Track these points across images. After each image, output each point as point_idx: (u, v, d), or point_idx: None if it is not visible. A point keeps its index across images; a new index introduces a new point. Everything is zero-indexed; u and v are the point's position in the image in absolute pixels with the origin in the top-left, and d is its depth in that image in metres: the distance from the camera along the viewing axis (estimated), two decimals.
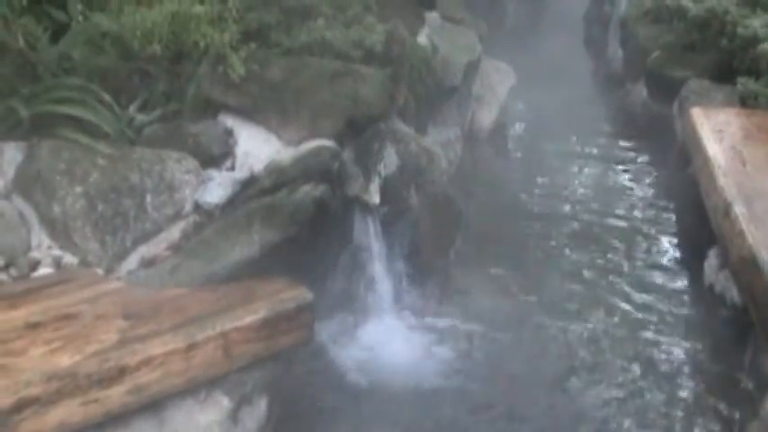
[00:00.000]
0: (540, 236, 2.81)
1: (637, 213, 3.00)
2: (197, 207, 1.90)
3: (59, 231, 1.76)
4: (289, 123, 2.03)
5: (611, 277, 2.52)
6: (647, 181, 3.30)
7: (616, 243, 2.75)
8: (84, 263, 1.75)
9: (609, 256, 2.66)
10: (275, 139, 2.04)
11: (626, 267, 2.58)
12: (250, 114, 2.06)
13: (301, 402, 1.84)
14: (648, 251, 2.70)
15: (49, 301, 1.59)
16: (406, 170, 2.21)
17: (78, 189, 1.78)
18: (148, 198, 1.83)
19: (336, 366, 1.98)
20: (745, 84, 2.91)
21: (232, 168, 2.00)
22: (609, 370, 2.05)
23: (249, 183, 1.94)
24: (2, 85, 1.87)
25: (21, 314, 1.54)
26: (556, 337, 2.18)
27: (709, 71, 3.23)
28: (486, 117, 3.58)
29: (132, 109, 2.02)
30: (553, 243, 2.75)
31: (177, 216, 1.87)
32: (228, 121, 2.07)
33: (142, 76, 2.07)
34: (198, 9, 2.04)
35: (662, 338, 2.20)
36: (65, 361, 1.39)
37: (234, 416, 1.61)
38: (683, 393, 1.96)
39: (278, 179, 1.90)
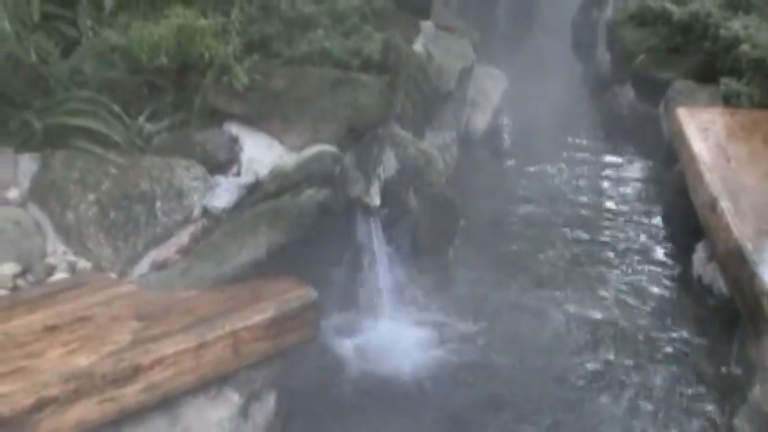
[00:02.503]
0: (535, 232, 2.85)
1: (626, 209, 3.06)
2: (205, 212, 1.94)
3: (74, 238, 1.81)
4: (291, 130, 2.07)
5: (604, 271, 2.58)
6: (636, 178, 3.36)
7: (607, 238, 2.81)
8: (98, 267, 1.79)
9: (601, 250, 2.71)
10: (279, 146, 2.07)
11: (618, 262, 2.64)
12: (254, 122, 2.10)
13: (308, 398, 1.87)
14: (638, 245, 2.75)
15: (65, 304, 1.63)
16: (404, 173, 2.25)
17: (91, 197, 1.83)
18: (158, 204, 1.88)
19: (341, 363, 2.02)
20: (727, 84, 2.98)
21: (238, 174, 2.04)
22: (602, 360, 2.10)
23: (254, 187, 1.98)
24: (16, 99, 1.91)
25: (38, 318, 1.57)
26: (554, 333, 2.23)
27: (694, 72, 3.30)
28: (481, 120, 3.67)
29: (141, 119, 2.06)
30: (547, 240, 2.79)
31: (186, 221, 1.91)
32: (233, 128, 2.11)
33: (150, 88, 2.12)
34: (202, 22, 2.09)
35: (652, 328, 2.26)
36: (81, 362, 1.42)
37: (244, 412, 1.65)
38: (674, 380, 2.01)
39: (282, 183, 1.93)
